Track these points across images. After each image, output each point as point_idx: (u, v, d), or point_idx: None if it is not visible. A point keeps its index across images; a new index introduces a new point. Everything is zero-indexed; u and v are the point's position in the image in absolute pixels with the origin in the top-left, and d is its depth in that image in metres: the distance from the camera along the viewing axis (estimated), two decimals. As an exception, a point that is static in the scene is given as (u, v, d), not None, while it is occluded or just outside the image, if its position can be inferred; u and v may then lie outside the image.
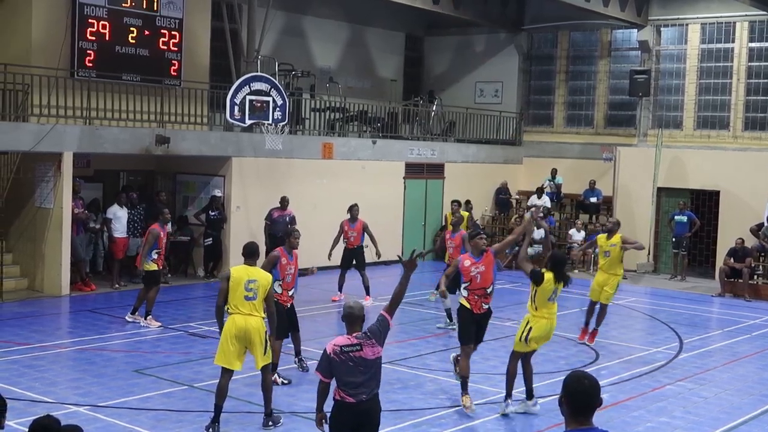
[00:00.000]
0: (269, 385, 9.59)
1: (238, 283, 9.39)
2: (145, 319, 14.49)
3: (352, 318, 6.91)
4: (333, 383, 6.95)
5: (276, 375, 10.89)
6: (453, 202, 18.62)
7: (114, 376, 11.39)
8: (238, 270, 9.57)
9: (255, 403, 10.16)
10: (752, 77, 23.13)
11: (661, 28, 24.50)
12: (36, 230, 17.15)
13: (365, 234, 17.13)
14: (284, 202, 18.79)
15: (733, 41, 23.26)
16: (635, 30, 24.65)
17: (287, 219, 18.39)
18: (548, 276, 10.04)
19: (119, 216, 18.07)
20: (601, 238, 14.49)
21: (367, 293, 16.95)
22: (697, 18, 23.77)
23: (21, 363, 11.91)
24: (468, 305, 10.50)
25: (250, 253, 9.76)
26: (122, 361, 12.25)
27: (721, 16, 23.35)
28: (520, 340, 10.23)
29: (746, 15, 22.81)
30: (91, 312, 15.59)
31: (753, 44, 23.07)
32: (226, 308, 9.47)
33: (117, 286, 17.84)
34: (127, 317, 14.72)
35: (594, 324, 14.10)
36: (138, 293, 14.88)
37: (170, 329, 14.31)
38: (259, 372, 9.56)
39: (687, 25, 24.02)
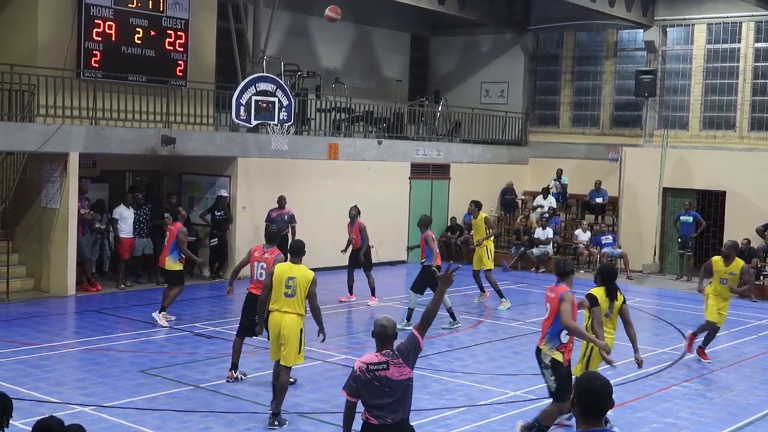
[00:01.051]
0: (285, 385, 9.62)
1: (280, 280, 9.55)
2: (159, 312, 14.51)
3: (384, 336, 6.49)
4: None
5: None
6: (471, 202, 18.54)
7: (119, 377, 11.40)
8: (281, 267, 9.73)
9: (260, 404, 10.17)
10: (758, 77, 23.08)
11: (667, 29, 24.46)
12: (42, 230, 17.18)
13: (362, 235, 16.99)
14: (282, 201, 18.81)
15: (740, 41, 23.22)
16: (641, 30, 24.62)
17: (286, 218, 18.42)
18: (600, 294, 9.65)
19: (125, 216, 18.09)
20: (718, 262, 13.23)
21: (373, 294, 16.95)
22: (703, 18, 23.73)
23: (27, 363, 11.93)
24: (561, 358, 9.07)
25: (295, 251, 9.85)
26: (128, 362, 12.26)
27: (727, 17, 23.31)
28: (580, 362, 9.68)
29: (752, 15, 22.77)
30: (96, 312, 15.60)
31: (759, 44, 23.02)
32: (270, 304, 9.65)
33: (123, 286, 17.85)
34: (159, 320, 14.50)
35: (702, 342, 13.57)
36: (167, 293, 14.70)
37: (176, 329, 14.32)
38: (271, 371, 9.58)
39: (693, 25, 23.98)
